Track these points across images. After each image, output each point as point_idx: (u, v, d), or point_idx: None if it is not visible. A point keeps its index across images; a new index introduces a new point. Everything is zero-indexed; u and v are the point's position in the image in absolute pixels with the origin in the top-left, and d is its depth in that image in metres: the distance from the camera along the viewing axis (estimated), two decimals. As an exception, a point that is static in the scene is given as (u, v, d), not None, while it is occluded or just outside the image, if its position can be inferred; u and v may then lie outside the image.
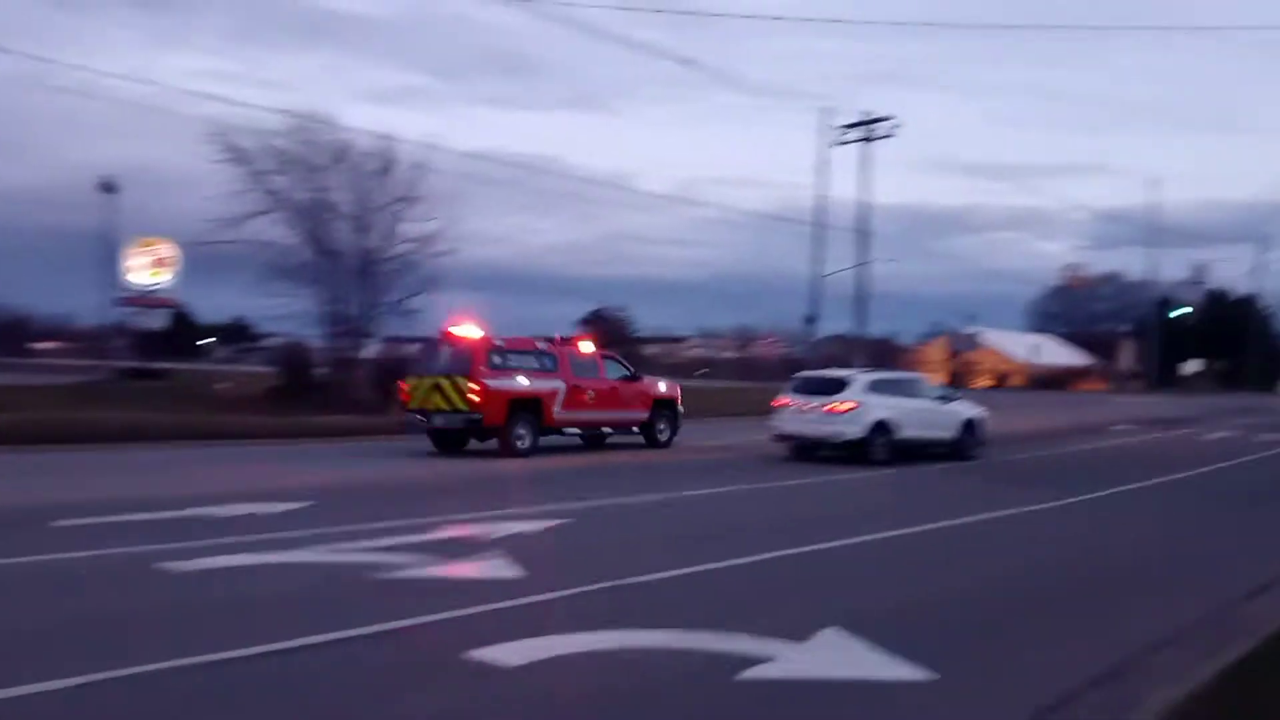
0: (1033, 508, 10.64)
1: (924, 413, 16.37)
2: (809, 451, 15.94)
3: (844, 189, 78.41)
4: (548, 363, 15.42)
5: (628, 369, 16.61)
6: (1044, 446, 19.00)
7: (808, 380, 16.72)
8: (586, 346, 16.04)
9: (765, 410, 17.04)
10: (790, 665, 4.73)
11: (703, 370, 66.61)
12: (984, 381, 64.20)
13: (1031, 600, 6.51)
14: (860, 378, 16.12)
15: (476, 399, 14.23)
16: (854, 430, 15.46)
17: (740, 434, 19.60)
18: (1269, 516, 10.98)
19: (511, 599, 5.79)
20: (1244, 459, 17.50)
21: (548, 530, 8.27)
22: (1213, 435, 23.31)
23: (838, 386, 15.87)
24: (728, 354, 74.21)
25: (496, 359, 14.82)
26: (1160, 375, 67.24)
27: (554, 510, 9.34)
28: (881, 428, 15.63)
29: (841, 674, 4.65)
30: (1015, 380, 68.13)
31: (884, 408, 15.80)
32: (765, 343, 49.94)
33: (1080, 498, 11.62)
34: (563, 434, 15.63)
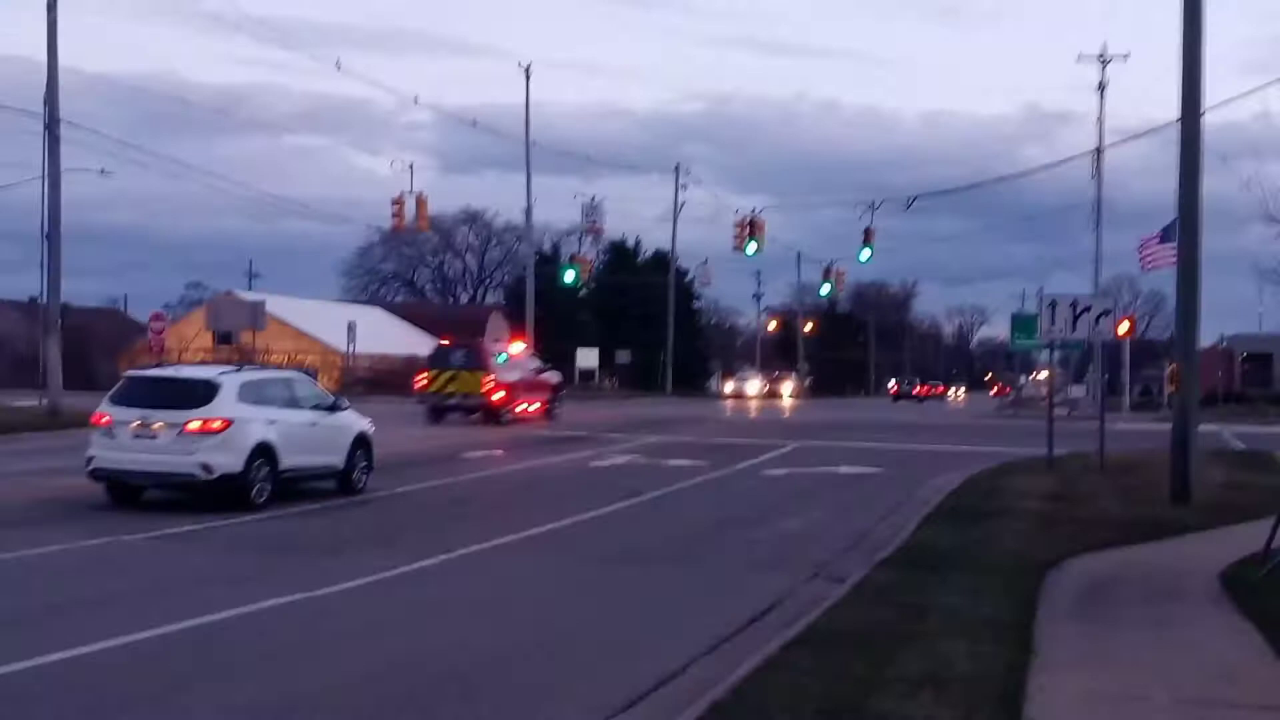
0: (390, 573, 13.99)
1: (309, 429, 20.36)
2: (135, 493, 19.00)
3: (20, 45, 74.48)
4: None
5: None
6: (423, 475, 24.88)
7: (145, 384, 19.50)
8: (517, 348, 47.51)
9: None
10: None
11: None
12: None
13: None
14: (229, 380, 19.27)
15: (490, 386, 40.95)
16: (228, 460, 18.48)
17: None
18: (659, 586, 14.32)
19: None
20: (644, 496, 22.43)
21: None
22: (609, 460, 29.76)
23: (199, 393, 18.85)
24: None
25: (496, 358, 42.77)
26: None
27: None
28: (264, 454, 18.98)
29: None
30: (326, 379, 73.61)
31: (265, 424, 19.19)
32: None
33: (445, 556, 15.20)
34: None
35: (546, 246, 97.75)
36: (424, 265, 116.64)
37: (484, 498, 22.21)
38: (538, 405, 44.92)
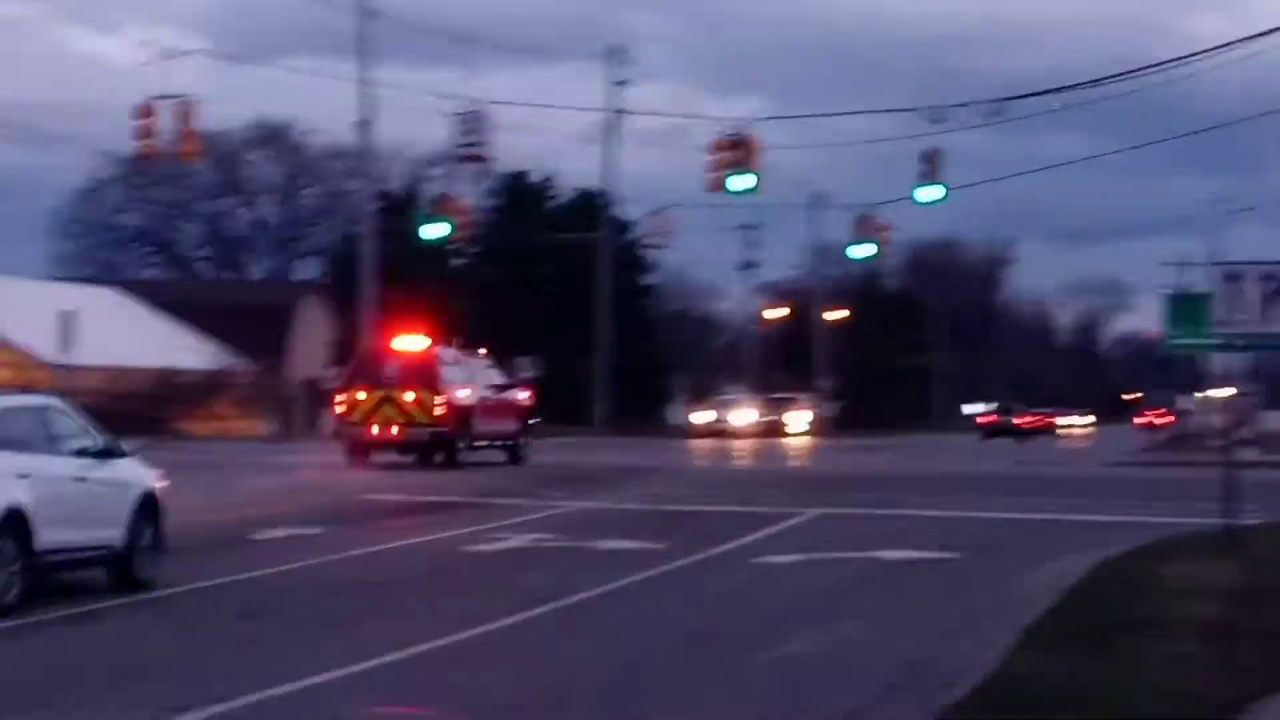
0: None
1: (76, 487, 22.27)
2: None
3: None
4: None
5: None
6: (223, 562, 26.50)
7: None
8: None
9: None
10: None
11: None
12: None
13: None
14: None
15: (442, 411, 49.89)
16: None
17: None
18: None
19: None
20: (557, 603, 22.39)
21: None
22: (501, 542, 30.53)
23: None
24: None
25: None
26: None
27: None
28: (14, 527, 20.51)
29: None
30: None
31: (13, 480, 20.77)
32: None
33: (226, 706, 15.08)
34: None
35: (397, 184, 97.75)
36: (190, 218, 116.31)
37: (299, 604, 22.44)
38: (504, 440, 54.11)
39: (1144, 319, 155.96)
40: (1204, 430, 76.83)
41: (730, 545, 29.59)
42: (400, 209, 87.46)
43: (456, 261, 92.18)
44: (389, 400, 48.69)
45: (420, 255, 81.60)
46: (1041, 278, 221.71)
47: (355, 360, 55.08)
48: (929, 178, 52.67)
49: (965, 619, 20.79)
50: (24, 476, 20.55)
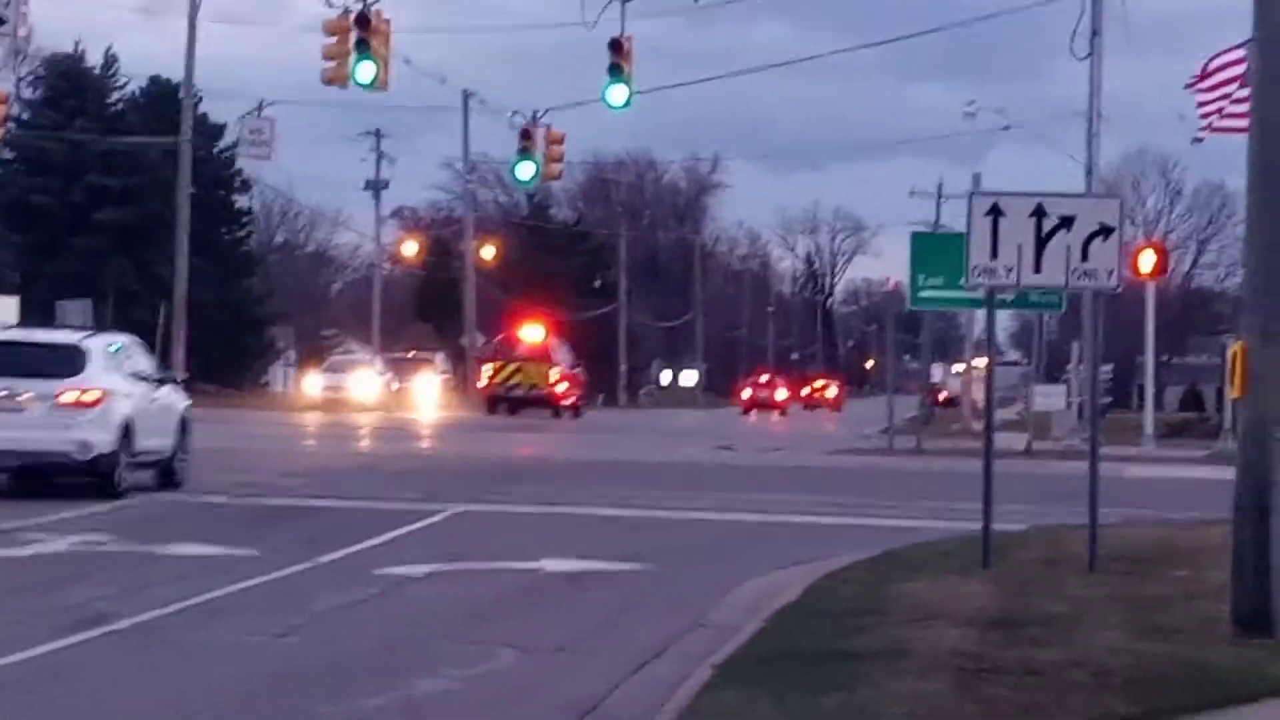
0: None
1: (151, 405, 39.09)
2: None
3: None
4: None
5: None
6: None
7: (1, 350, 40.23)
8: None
9: None
10: None
11: None
12: None
13: None
14: (95, 344, 38.50)
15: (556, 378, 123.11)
16: (104, 438, 36.17)
17: None
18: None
19: None
20: (114, 625, 22.24)
21: None
22: (40, 545, 30.53)
23: (68, 360, 36.93)
24: None
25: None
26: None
27: None
28: (128, 433, 36.85)
29: None
30: None
31: (125, 398, 37.34)
32: None
33: None
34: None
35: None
36: None
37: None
38: (573, 399, 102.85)
39: (886, 264, 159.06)
40: (960, 409, 78.50)
41: (346, 551, 29.93)
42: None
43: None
44: (520, 371, 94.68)
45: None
46: (756, 207, 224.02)
47: (495, 343, 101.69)
48: (615, 72, 52.26)
49: (647, 648, 20.95)
50: (128, 396, 36.83)
